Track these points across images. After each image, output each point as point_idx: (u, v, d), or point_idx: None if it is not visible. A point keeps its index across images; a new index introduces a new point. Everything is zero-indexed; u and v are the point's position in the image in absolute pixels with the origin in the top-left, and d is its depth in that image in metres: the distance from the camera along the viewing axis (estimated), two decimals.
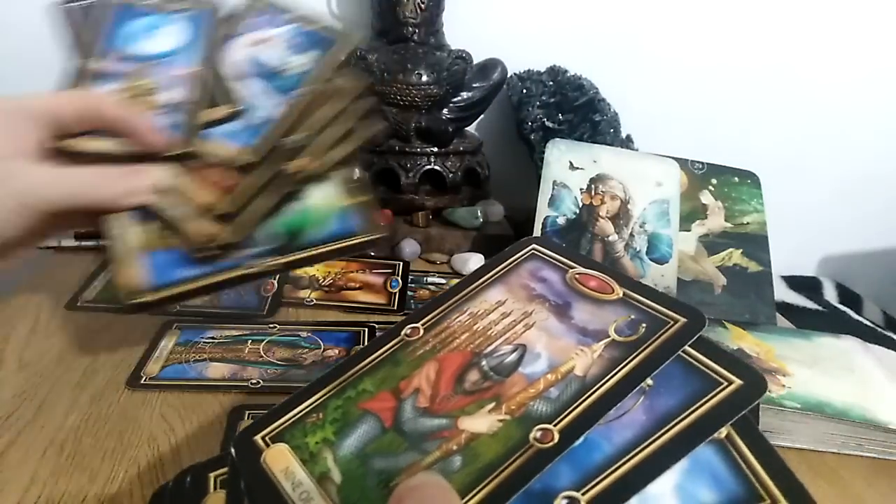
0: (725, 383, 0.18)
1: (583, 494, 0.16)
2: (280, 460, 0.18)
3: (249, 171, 0.27)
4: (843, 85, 0.78)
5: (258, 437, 0.19)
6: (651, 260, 0.49)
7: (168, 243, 0.25)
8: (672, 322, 0.21)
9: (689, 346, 0.20)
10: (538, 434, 0.17)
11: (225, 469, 0.19)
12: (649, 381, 0.19)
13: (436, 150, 0.62)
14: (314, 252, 0.25)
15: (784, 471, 0.17)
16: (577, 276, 0.23)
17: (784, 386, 0.37)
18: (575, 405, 0.18)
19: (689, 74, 0.77)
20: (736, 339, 0.42)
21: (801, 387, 0.38)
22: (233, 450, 0.19)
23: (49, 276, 0.52)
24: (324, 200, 0.27)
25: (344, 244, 0.26)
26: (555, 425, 0.18)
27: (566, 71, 0.69)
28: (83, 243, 0.57)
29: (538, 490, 0.16)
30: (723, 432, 0.18)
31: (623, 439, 0.17)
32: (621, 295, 0.22)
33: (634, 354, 0.20)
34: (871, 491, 0.35)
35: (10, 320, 0.45)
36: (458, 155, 0.63)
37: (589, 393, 0.18)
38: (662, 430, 0.17)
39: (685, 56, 0.76)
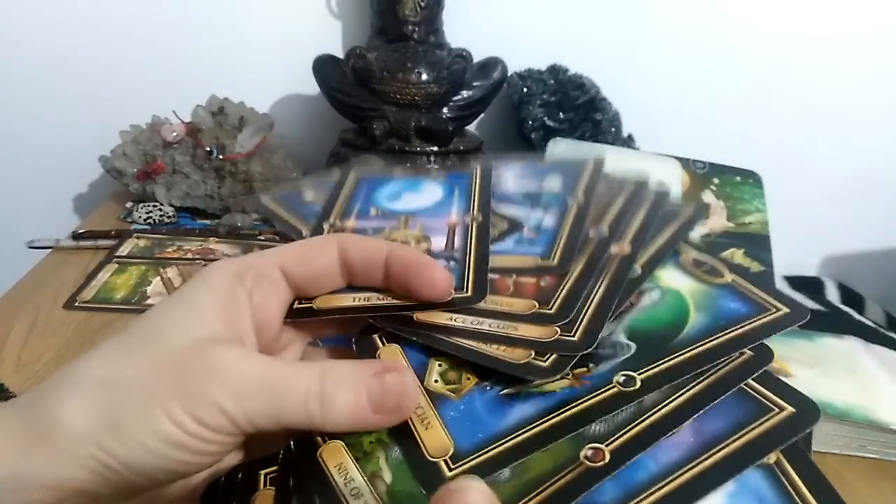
0: (776, 410, 0.18)
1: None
2: (335, 456, 0.18)
3: (561, 274, 0.23)
4: (845, 84, 0.78)
5: (315, 434, 0.19)
6: None
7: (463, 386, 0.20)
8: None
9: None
10: (589, 452, 0.17)
11: (275, 467, 0.19)
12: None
13: (436, 149, 0.62)
14: (694, 352, 0.20)
15: (833, 497, 0.17)
16: None
17: None
18: (630, 427, 0.18)
19: (691, 73, 0.76)
20: None
21: (803, 387, 0.37)
22: (292, 442, 0.19)
23: (47, 275, 0.52)
24: (677, 287, 0.23)
25: (739, 330, 0.21)
26: (607, 445, 0.17)
27: (567, 70, 0.69)
28: (81, 243, 0.57)
29: None
30: (772, 458, 0.18)
31: (669, 459, 0.17)
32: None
33: (698, 381, 0.19)
34: (873, 492, 0.34)
35: (8, 320, 0.45)
36: (458, 154, 0.63)
37: (646, 416, 0.18)
38: (709, 453, 0.17)
39: (687, 55, 0.75)
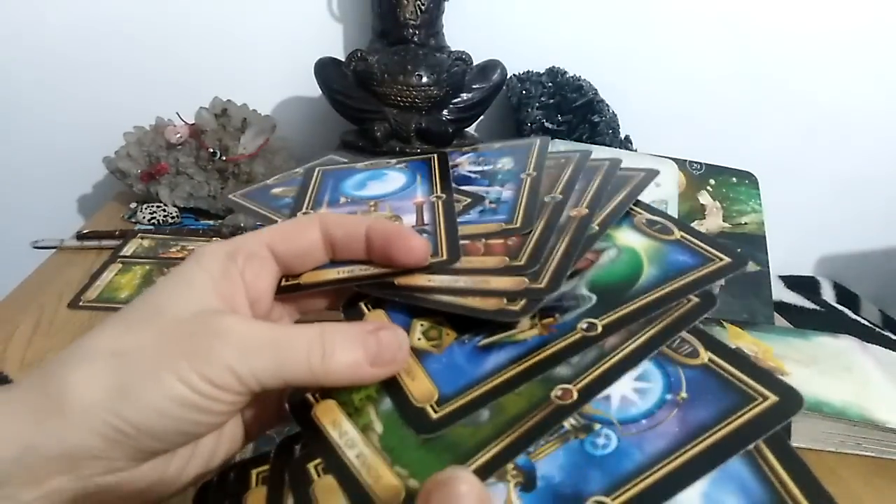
0: (760, 399, 0.18)
1: (613, 500, 0.17)
2: (329, 414, 0.20)
3: (525, 234, 0.25)
4: (840, 86, 0.78)
5: (309, 395, 0.21)
6: None
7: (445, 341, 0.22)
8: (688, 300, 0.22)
9: (724, 360, 0.20)
10: (559, 392, 0.19)
11: (266, 465, 0.20)
12: (684, 394, 0.19)
13: None
14: (648, 299, 0.22)
15: (812, 481, 0.17)
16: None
17: None
18: (594, 368, 0.20)
19: (688, 76, 0.77)
20: (734, 338, 0.43)
21: (800, 386, 0.37)
22: (287, 404, 0.21)
23: (51, 275, 0.53)
24: (632, 245, 0.25)
25: (687, 278, 0.23)
26: (574, 385, 0.19)
27: (565, 72, 0.69)
28: (85, 243, 0.57)
29: (569, 494, 0.17)
30: (705, 359, 0.19)
31: (655, 449, 0.18)
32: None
33: (652, 326, 0.21)
34: (869, 489, 0.35)
35: (13, 319, 0.45)
36: None
37: (607, 358, 0.20)
38: (694, 442, 0.18)
39: (683, 57, 0.76)
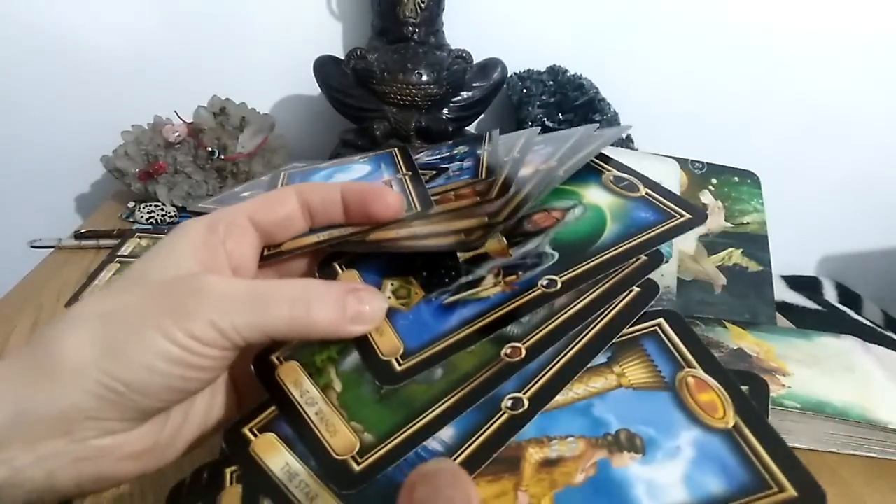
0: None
1: (524, 394, 0.19)
2: (291, 375, 0.21)
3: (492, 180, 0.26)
4: (843, 84, 0.78)
5: (273, 356, 0.22)
6: None
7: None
8: (637, 260, 0.23)
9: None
10: (508, 350, 0.20)
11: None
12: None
13: None
14: (607, 255, 0.22)
15: (790, 458, 0.17)
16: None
17: (784, 386, 0.38)
18: (542, 327, 0.21)
19: (689, 74, 0.77)
20: (736, 338, 0.42)
21: (801, 386, 0.38)
22: (252, 366, 0.21)
23: (49, 274, 0.52)
24: (598, 202, 0.25)
25: (646, 235, 0.23)
26: (523, 343, 0.20)
27: (566, 70, 0.69)
28: (83, 243, 0.57)
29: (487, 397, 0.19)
30: (730, 422, 0.19)
31: (554, 350, 0.20)
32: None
33: (600, 284, 0.22)
34: (870, 490, 0.35)
35: (11, 319, 0.45)
36: None
37: (556, 317, 0.21)
38: (586, 331, 0.20)
39: (685, 55, 0.76)
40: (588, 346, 0.20)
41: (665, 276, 0.49)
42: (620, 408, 0.19)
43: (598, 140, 0.28)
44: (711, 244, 0.52)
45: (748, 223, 0.53)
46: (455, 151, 0.32)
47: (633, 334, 0.22)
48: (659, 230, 0.23)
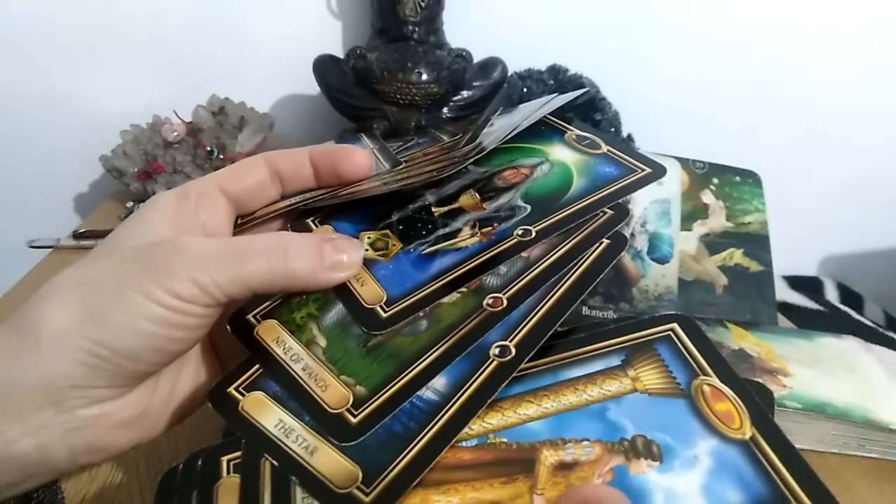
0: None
1: (510, 341, 0.20)
2: (271, 333, 0.21)
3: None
4: (845, 84, 0.78)
5: (250, 316, 0.22)
6: (652, 260, 0.49)
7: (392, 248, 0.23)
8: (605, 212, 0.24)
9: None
10: (490, 300, 0.21)
11: (239, 452, 0.19)
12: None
13: None
14: (577, 206, 0.24)
15: (808, 473, 0.17)
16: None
17: (785, 386, 0.37)
18: (520, 278, 0.22)
19: (690, 73, 0.76)
20: (737, 339, 0.42)
21: (803, 387, 0.37)
22: (228, 326, 0.21)
23: (48, 275, 0.52)
24: (563, 159, 0.27)
25: (612, 188, 0.25)
26: (504, 293, 0.21)
27: (567, 70, 0.69)
28: (82, 243, 0.57)
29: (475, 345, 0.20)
30: (747, 433, 0.19)
31: (535, 300, 0.21)
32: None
33: (572, 237, 0.23)
34: (872, 491, 0.34)
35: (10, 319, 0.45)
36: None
37: (532, 268, 0.22)
38: (562, 281, 0.21)
39: (686, 55, 0.75)
40: (566, 295, 0.21)
41: (666, 276, 0.48)
42: (636, 413, 0.19)
43: (555, 101, 0.30)
44: (713, 244, 0.52)
45: (749, 223, 0.53)
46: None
47: (647, 338, 0.22)
48: (622, 183, 0.25)
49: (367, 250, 0.23)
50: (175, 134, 0.62)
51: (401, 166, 0.27)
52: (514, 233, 0.23)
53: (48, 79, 0.70)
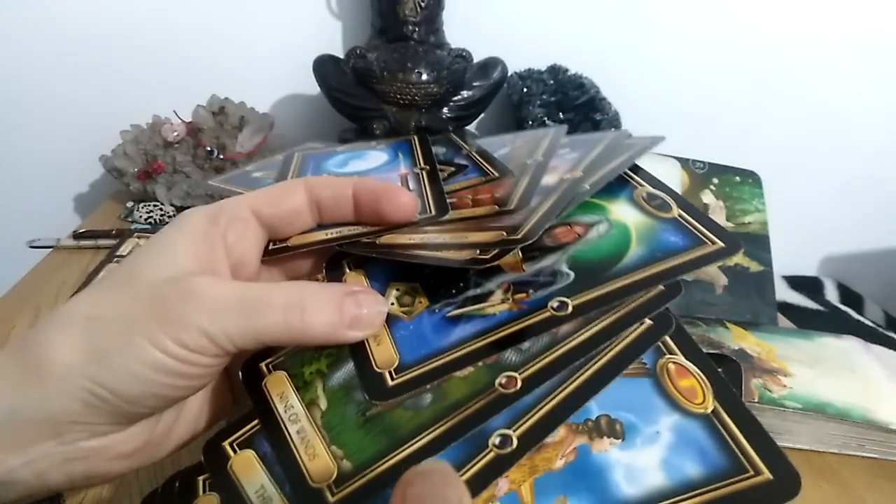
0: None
1: (514, 430, 0.18)
2: (278, 386, 0.20)
3: (512, 181, 0.24)
4: (845, 84, 0.78)
5: (262, 365, 0.21)
6: None
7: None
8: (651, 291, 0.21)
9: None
10: (503, 380, 0.19)
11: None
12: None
13: None
14: (626, 281, 0.20)
15: (767, 442, 0.17)
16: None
17: (785, 386, 0.37)
18: (542, 357, 0.19)
19: (690, 73, 0.76)
20: (737, 339, 0.42)
21: (803, 387, 0.37)
22: (240, 373, 0.21)
23: (48, 275, 0.52)
24: (624, 220, 0.23)
25: (673, 262, 0.21)
26: (520, 374, 0.19)
27: (567, 70, 0.69)
28: (82, 243, 0.57)
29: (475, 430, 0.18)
30: (709, 407, 0.18)
31: (551, 385, 0.19)
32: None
33: (609, 314, 0.20)
34: (871, 491, 0.34)
35: (9, 319, 0.45)
36: None
37: (558, 346, 0.19)
38: (585, 368, 0.19)
39: (686, 55, 0.75)
40: (587, 384, 0.19)
41: None
42: (602, 394, 0.19)
43: (629, 151, 0.26)
44: None
45: (749, 223, 0.53)
46: (473, 148, 0.31)
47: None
48: (686, 257, 0.21)
49: (392, 304, 0.21)
50: (175, 134, 0.62)
51: (446, 216, 0.24)
52: (549, 304, 0.20)
53: (48, 79, 0.70)
